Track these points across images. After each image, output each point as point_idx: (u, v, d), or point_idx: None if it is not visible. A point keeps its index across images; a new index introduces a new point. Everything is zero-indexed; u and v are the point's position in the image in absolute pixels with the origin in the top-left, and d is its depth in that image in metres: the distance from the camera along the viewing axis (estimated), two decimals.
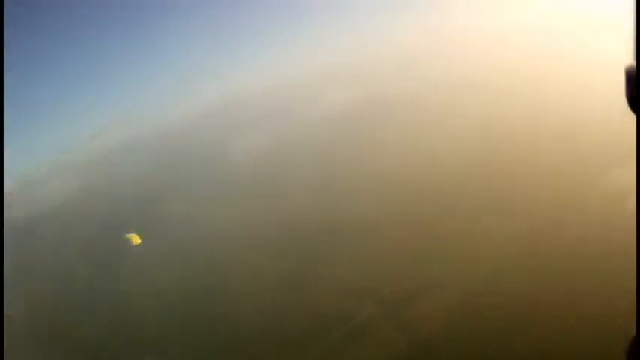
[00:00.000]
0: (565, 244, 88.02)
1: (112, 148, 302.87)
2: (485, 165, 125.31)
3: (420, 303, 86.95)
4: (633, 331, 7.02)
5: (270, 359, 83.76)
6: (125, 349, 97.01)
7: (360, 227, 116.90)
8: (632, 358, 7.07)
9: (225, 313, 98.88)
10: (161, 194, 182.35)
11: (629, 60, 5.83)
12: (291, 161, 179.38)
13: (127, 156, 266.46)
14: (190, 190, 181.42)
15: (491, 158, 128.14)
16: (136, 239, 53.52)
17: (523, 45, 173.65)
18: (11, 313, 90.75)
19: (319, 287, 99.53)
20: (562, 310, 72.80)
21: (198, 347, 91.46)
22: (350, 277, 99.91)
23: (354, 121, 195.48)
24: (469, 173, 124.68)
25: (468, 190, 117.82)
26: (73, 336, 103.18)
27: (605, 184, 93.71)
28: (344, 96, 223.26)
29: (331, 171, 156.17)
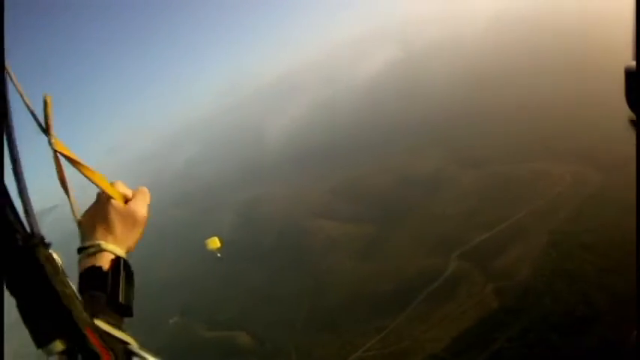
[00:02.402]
0: None
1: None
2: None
3: (507, 251, 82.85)
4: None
5: (364, 325, 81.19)
6: None
7: (429, 180, 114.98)
8: (634, 355, 7.25)
9: (312, 286, 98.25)
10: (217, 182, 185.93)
11: (629, 60, 5.69)
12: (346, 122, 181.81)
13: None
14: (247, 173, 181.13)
15: None
16: (214, 243, 51.96)
17: None
18: None
19: (401, 248, 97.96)
20: None
21: (290, 322, 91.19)
22: (430, 231, 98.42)
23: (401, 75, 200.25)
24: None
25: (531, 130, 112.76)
26: None
27: None
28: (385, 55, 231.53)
29: (387, 126, 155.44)
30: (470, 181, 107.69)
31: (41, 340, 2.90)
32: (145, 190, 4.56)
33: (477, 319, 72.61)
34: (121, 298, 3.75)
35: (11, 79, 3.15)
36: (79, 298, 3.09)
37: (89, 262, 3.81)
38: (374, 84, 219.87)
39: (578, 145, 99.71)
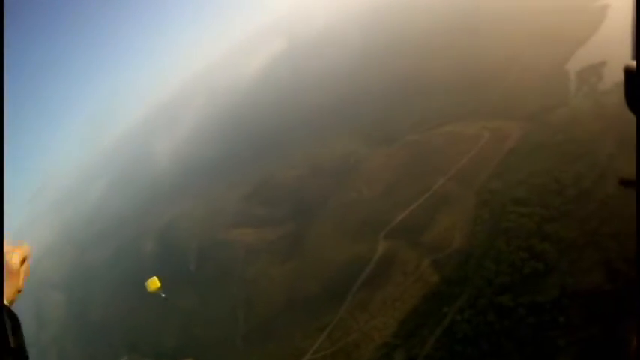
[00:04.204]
0: None
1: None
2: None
3: (435, 222, 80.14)
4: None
5: (305, 327, 77.38)
6: None
7: (340, 166, 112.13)
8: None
9: (242, 298, 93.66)
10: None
11: (629, 60, 5.54)
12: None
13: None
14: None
15: None
16: (154, 284, 45.40)
17: None
18: None
19: (324, 240, 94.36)
20: None
21: (230, 340, 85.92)
22: (350, 218, 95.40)
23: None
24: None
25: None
26: None
27: None
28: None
29: (284, 121, 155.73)
30: (381, 158, 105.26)
31: None
32: (25, 245, 5.11)
33: (421, 297, 70.31)
34: (11, 344, 4.23)
35: None
36: None
37: None
38: (263, 80, 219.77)
39: (489, 100, 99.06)
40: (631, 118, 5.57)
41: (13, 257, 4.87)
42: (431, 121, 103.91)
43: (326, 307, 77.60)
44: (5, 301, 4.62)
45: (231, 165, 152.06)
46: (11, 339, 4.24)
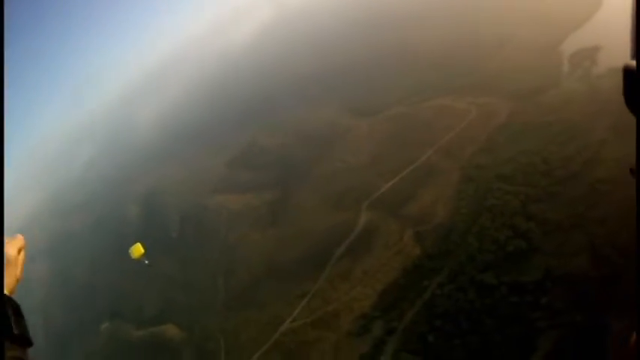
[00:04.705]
0: None
1: None
2: None
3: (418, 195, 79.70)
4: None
5: (285, 294, 77.24)
6: None
7: (325, 134, 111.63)
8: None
9: (224, 265, 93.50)
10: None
11: (629, 60, 5.36)
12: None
13: None
14: None
15: None
16: (138, 250, 44.49)
17: None
18: None
19: (306, 208, 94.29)
20: None
21: (211, 306, 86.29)
22: (334, 186, 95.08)
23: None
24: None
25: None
26: None
27: None
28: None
29: (270, 88, 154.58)
30: (368, 128, 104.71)
31: None
32: (19, 236, 5.55)
33: (401, 269, 69.92)
34: (15, 330, 4.49)
35: None
36: None
37: None
38: (252, 49, 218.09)
39: (480, 76, 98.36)
40: (624, 103, 5.31)
41: (9, 249, 5.18)
42: (420, 93, 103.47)
43: (307, 275, 77.45)
44: (6, 291, 4.95)
45: (217, 131, 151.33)
46: (14, 326, 4.52)
